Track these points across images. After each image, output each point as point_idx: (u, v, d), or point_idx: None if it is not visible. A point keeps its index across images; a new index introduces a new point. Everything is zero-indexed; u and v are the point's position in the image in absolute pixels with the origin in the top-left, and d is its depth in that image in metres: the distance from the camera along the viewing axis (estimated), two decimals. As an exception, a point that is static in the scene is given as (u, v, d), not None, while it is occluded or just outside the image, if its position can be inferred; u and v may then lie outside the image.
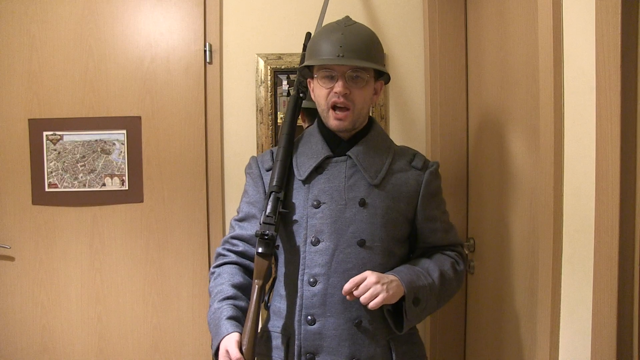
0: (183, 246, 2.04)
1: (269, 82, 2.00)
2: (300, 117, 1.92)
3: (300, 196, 1.33)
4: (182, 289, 2.04)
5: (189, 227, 2.04)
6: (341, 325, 1.26)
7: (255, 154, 1.97)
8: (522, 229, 1.47)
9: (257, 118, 2.02)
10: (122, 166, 2.03)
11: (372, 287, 1.19)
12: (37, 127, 2.02)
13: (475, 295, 1.87)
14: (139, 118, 2.02)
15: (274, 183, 1.31)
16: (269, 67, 2.00)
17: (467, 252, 1.86)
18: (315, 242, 1.29)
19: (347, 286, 1.20)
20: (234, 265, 1.34)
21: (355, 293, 1.20)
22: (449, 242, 1.41)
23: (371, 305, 1.18)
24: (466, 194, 1.93)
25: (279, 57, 1.99)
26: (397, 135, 2.03)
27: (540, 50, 1.21)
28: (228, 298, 1.27)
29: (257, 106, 2.02)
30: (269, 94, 2.00)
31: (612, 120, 0.93)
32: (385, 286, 1.19)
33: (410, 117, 2.03)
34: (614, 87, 0.92)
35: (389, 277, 1.22)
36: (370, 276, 1.20)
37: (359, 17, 2.01)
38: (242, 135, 2.03)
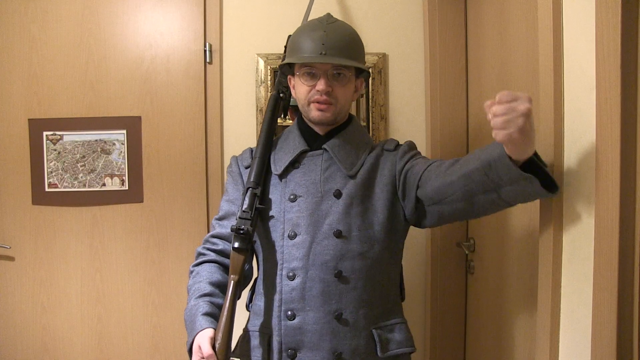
0: (183, 246, 2.04)
1: (269, 82, 2.00)
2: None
3: (277, 191, 1.33)
4: (182, 289, 2.04)
5: (189, 227, 2.04)
6: (321, 319, 1.25)
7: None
8: (522, 229, 1.47)
9: (257, 118, 2.02)
10: (122, 166, 2.03)
11: (519, 116, 0.90)
12: (37, 127, 2.02)
13: (475, 295, 1.87)
14: (139, 118, 2.02)
15: (251, 179, 1.31)
16: (269, 67, 2.00)
17: (467, 252, 1.86)
18: (292, 236, 1.28)
19: (502, 95, 0.90)
20: (213, 264, 1.34)
21: (495, 108, 0.91)
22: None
23: (499, 135, 0.92)
24: (466, 194, 1.93)
25: (279, 57, 1.99)
26: (397, 135, 2.02)
27: (540, 50, 1.21)
28: (205, 295, 1.26)
29: (257, 106, 2.02)
30: (269, 94, 1.99)
31: (612, 120, 0.93)
32: (530, 125, 0.92)
33: (410, 117, 2.03)
34: (614, 87, 0.92)
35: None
36: (525, 102, 0.90)
37: (358, 16, 2.02)
38: (242, 135, 2.03)
